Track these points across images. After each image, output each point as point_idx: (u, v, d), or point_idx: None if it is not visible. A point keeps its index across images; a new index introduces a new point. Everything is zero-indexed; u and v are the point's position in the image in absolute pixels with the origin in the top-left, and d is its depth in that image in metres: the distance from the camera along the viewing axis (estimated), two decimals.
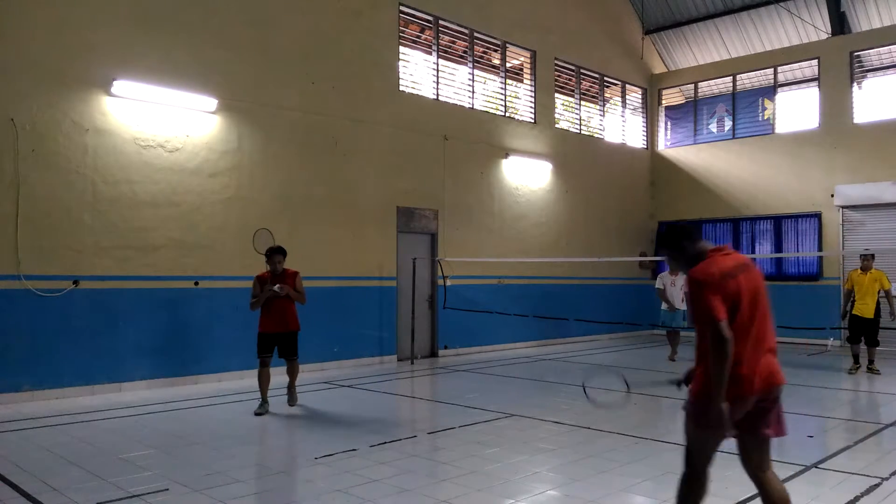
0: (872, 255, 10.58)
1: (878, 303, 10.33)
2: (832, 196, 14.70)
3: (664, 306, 12.29)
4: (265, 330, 7.53)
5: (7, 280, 7.91)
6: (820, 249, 14.77)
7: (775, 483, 3.54)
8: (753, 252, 15.88)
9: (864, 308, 10.32)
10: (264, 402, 7.43)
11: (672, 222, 3.68)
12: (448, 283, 12.24)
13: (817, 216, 14.97)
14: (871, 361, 10.47)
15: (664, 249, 3.70)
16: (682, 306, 12.12)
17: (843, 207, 14.62)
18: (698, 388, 3.38)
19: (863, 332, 10.45)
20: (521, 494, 4.78)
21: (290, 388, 7.84)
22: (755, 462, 3.52)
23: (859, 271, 10.51)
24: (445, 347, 12.63)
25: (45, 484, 4.85)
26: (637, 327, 16.15)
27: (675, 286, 12.21)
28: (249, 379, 9.61)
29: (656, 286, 12.42)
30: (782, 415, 3.55)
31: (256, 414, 7.25)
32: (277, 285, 7.39)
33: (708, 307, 3.26)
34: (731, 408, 3.29)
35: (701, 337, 3.37)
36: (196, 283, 9.42)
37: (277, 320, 7.51)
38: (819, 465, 5.35)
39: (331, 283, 10.86)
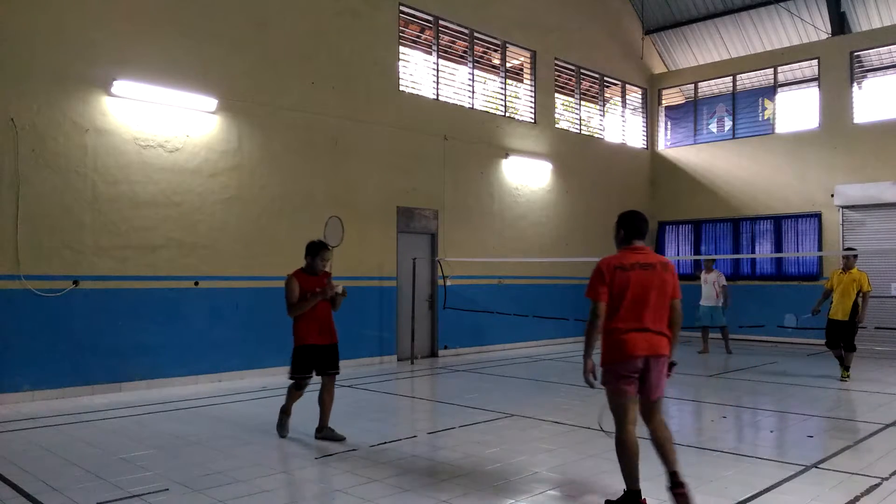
0: (855, 255, 10.07)
1: (855, 306, 9.76)
2: (832, 196, 14.70)
3: (701, 301, 13.13)
4: (312, 342, 6.15)
5: (7, 280, 7.91)
6: (820, 249, 14.77)
7: (661, 429, 4.41)
8: (753, 252, 15.88)
9: (836, 310, 9.82)
10: (288, 415, 6.33)
11: (634, 212, 4.32)
12: (448, 283, 12.23)
13: (817, 216, 14.98)
14: (845, 367, 9.88)
15: (621, 225, 4.60)
16: (717, 303, 13.06)
17: (843, 207, 14.62)
18: (602, 358, 4.35)
19: (838, 337, 9.85)
20: (521, 494, 4.78)
21: (327, 413, 6.28)
22: (645, 414, 4.41)
23: (840, 270, 10.02)
24: (445, 347, 12.63)
25: (45, 484, 4.85)
26: None
27: (707, 283, 13.09)
28: (249, 379, 9.64)
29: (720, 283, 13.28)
30: (662, 382, 4.36)
31: (281, 434, 6.26)
32: (341, 286, 6.25)
33: (593, 288, 4.35)
34: (620, 364, 4.26)
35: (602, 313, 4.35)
36: (196, 283, 9.41)
37: (325, 329, 6.21)
38: (819, 465, 5.35)
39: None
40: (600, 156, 16.18)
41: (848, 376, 9.86)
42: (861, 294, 9.79)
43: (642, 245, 4.50)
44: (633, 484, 4.36)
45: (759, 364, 11.65)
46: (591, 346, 4.36)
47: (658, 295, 4.29)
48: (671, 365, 4.41)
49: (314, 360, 6.17)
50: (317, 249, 6.27)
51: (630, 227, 4.52)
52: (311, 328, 6.13)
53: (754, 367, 11.23)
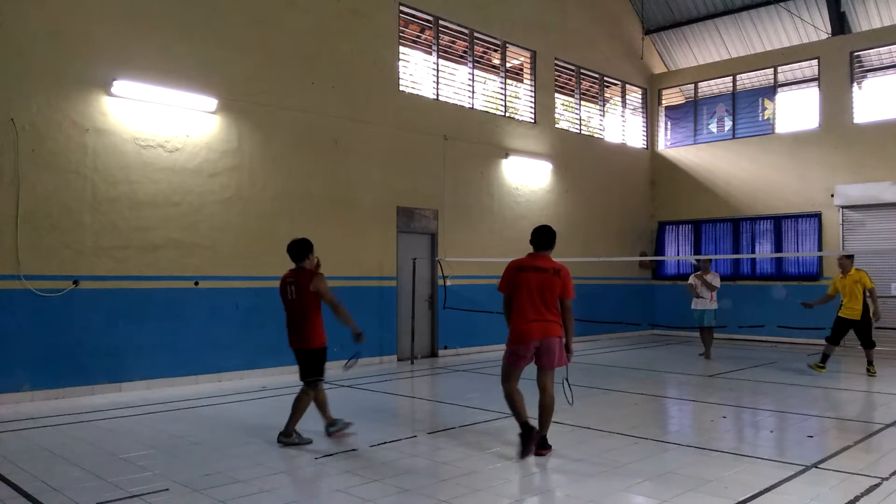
0: (849, 257, 10.42)
1: (865, 304, 10.13)
2: (832, 196, 14.70)
3: (693, 304, 12.47)
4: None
5: (7, 280, 7.91)
6: (820, 249, 14.77)
7: (547, 398, 5.73)
8: (753, 252, 15.87)
9: (850, 311, 10.15)
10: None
11: (546, 226, 6.10)
12: (448, 283, 12.23)
13: (817, 216, 14.98)
14: (869, 363, 10.28)
15: (530, 238, 5.90)
16: (712, 305, 12.35)
17: (843, 207, 14.62)
18: (508, 338, 5.70)
19: (856, 335, 10.36)
20: (521, 494, 4.78)
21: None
22: (539, 381, 5.72)
23: (840, 275, 10.36)
24: (445, 347, 12.63)
25: (45, 484, 4.85)
26: (637, 327, 16.16)
27: (700, 286, 12.41)
28: (249, 379, 9.65)
29: (689, 282, 12.64)
30: (554, 356, 5.64)
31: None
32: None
33: (501, 283, 5.78)
34: (518, 346, 5.59)
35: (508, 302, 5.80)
36: (196, 283, 9.41)
37: None
38: (819, 465, 5.35)
39: (330, 283, 10.78)
40: (600, 156, 16.18)
41: (874, 372, 10.18)
42: (868, 292, 10.11)
43: (542, 254, 5.83)
44: (522, 419, 5.61)
45: (759, 364, 11.65)
46: (510, 327, 5.72)
47: (548, 293, 5.61)
48: (567, 348, 5.75)
49: None
50: (312, 244, 6.33)
51: (534, 240, 5.90)
52: None
53: (754, 367, 11.23)
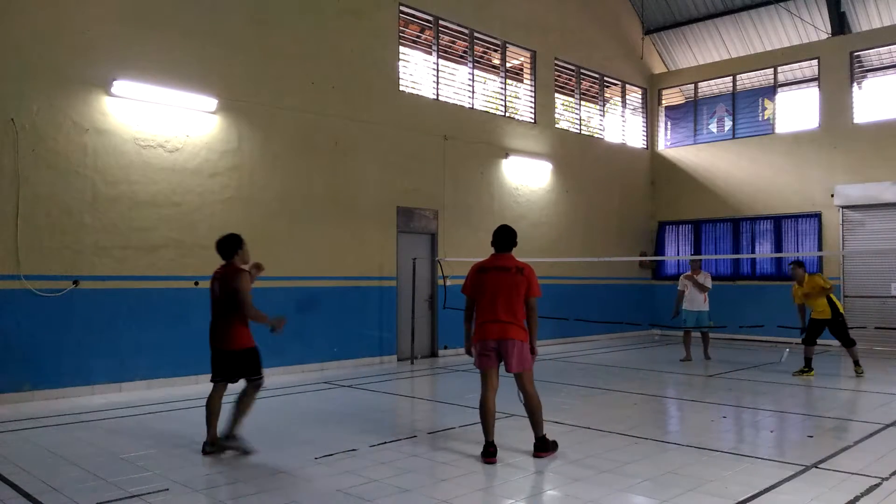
0: (795, 264, 10.36)
1: (833, 302, 10.02)
2: (832, 196, 14.70)
3: (685, 306, 12.07)
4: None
5: (7, 280, 7.91)
6: (820, 249, 14.77)
7: (529, 400, 5.66)
8: (753, 252, 15.87)
9: (820, 313, 10.08)
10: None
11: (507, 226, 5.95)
12: (448, 283, 12.24)
13: (817, 216, 14.98)
14: (855, 363, 10.11)
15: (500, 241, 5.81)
16: (705, 307, 11.98)
17: (842, 207, 14.61)
18: (472, 338, 5.74)
19: (835, 337, 10.19)
20: (520, 494, 4.78)
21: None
22: (517, 384, 5.65)
23: (796, 285, 10.29)
24: (445, 347, 12.63)
25: (45, 484, 4.85)
26: (637, 327, 16.15)
27: (690, 287, 12.00)
28: None
29: (678, 288, 12.29)
30: (512, 359, 5.53)
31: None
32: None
33: (464, 285, 5.77)
34: (476, 344, 5.64)
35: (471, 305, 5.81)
36: (196, 283, 9.41)
37: None
38: (819, 465, 5.35)
39: (331, 283, 10.86)
40: (600, 156, 16.18)
41: (862, 371, 10.05)
42: (826, 293, 10.01)
43: (503, 254, 5.77)
44: (487, 436, 5.54)
45: (759, 364, 11.65)
46: (467, 328, 5.86)
47: (510, 293, 5.54)
48: (531, 349, 5.64)
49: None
50: (241, 240, 5.98)
51: (494, 241, 5.83)
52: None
53: (754, 367, 11.23)
